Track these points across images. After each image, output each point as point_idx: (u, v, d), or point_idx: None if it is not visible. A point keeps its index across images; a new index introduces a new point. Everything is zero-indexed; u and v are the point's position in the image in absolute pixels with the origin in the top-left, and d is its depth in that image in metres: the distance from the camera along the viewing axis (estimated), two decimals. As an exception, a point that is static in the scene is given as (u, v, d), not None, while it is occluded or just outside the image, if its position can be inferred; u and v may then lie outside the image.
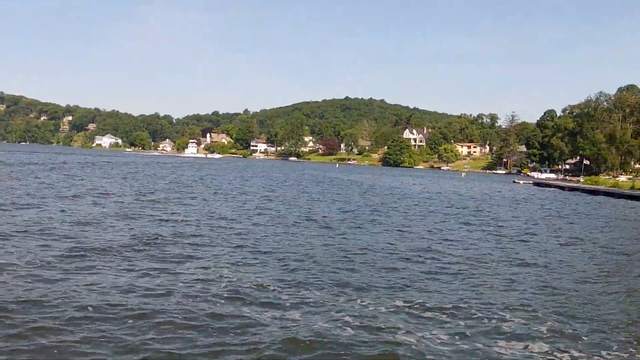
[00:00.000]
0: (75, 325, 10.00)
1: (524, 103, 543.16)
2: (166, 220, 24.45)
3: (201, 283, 13.32)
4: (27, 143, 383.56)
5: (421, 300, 12.91)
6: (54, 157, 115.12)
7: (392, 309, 12.18)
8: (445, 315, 11.92)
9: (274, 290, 13.10)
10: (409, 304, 12.57)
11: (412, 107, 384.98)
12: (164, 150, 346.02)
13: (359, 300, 12.67)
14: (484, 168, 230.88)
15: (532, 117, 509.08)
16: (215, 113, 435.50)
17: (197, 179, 63.65)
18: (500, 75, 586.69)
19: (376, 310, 12.04)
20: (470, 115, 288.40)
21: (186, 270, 14.63)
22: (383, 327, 10.90)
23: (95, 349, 9.07)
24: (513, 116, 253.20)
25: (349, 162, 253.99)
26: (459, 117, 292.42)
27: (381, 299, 12.93)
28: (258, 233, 22.29)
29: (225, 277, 14.07)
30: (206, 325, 10.44)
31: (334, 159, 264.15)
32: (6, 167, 62.86)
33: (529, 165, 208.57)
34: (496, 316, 12.05)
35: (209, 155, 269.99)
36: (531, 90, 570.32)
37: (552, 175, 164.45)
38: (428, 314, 12.01)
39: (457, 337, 10.67)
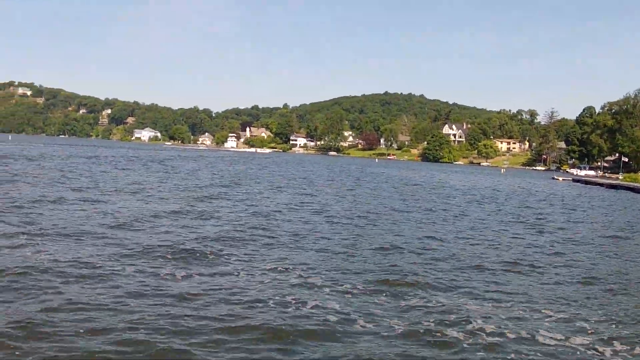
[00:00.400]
0: (123, 330, 9.86)
1: (564, 99, 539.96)
2: (219, 218, 24.61)
3: (253, 286, 13.25)
4: (66, 136, 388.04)
5: (466, 295, 13.53)
6: (96, 150, 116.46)
7: (438, 305, 12.52)
8: (490, 308, 12.50)
9: (335, 296, 12.77)
10: (458, 298, 13.25)
11: (451, 103, 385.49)
12: (204, 143, 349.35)
13: (402, 302, 12.71)
14: (523, 164, 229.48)
15: (571, 113, 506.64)
16: (255, 107, 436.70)
17: (253, 174, 64.98)
18: (541, 71, 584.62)
19: (427, 306, 12.45)
20: (510, 111, 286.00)
21: (238, 272, 14.49)
22: (433, 321, 11.33)
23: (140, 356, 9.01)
24: (552, 112, 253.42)
25: (388, 157, 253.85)
26: (499, 112, 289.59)
27: (433, 294, 13.43)
28: (318, 232, 22.20)
29: (277, 279, 13.95)
30: (260, 329, 10.37)
31: (373, 154, 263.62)
32: (50, 160, 62.95)
33: (568, 161, 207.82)
34: (540, 310, 12.54)
35: (258, 150, 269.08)
36: (571, 86, 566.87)
37: (591, 172, 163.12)
38: (474, 306, 12.53)
39: (502, 327, 11.20)
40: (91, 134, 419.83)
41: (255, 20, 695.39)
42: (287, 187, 47.74)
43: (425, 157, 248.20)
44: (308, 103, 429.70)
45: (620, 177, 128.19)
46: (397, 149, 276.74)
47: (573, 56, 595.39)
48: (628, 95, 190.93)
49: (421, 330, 10.77)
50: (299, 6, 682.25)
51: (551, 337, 10.85)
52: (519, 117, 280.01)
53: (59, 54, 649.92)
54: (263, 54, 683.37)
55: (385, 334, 10.54)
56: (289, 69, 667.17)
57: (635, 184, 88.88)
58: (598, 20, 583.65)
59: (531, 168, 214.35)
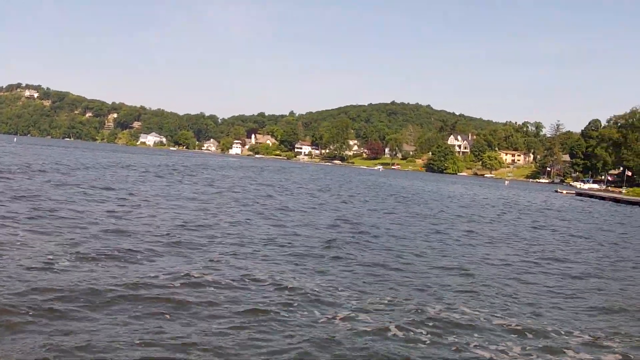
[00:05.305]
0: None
1: (570, 112, 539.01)
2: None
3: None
4: (71, 139, 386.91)
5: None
6: (117, 156, 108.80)
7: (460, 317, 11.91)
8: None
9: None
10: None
11: (458, 113, 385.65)
12: (208, 149, 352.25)
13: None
14: (527, 177, 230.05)
15: (577, 126, 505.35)
16: (261, 114, 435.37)
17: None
18: (548, 83, 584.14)
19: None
20: (516, 123, 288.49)
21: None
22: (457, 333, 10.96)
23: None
24: (558, 125, 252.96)
25: (392, 167, 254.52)
26: (505, 124, 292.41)
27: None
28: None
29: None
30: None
31: (378, 163, 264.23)
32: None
33: (572, 175, 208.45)
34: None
35: (382, 168, 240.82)
36: (577, 98, 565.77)
37: (595, 186, 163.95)
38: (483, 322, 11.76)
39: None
40: (96, 137, 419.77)
41: (263, 28, 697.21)
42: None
43: (429, 167, 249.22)
44: (314, 111, 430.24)
45: (623, 191, 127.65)
46: (401, 159, 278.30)
47: (580, 68, 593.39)
48: (635, 108, 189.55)
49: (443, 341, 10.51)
50: (306, 14, 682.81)
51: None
52: (525, 129, 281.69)
53: (67, 57, 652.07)
54: (270, 61, 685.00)
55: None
56: (296, 76, 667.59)
57: (637, 198, 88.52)
58: (606, 33, 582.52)
59: (535, 180, 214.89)
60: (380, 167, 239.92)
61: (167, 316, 10.58)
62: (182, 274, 13.40)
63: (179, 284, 12.55)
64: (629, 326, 12.56)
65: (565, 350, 10.45)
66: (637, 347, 10.98)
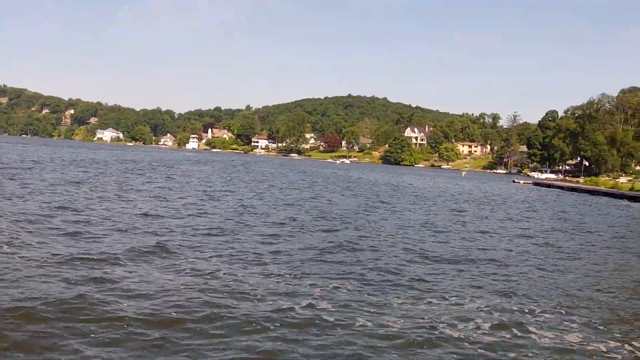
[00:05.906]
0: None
1: (527, 103, 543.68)
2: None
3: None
4: (28, 136, 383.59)
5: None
6: (75, 152, 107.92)
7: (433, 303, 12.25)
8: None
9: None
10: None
11: (414, 106, 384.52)
12: (165, 144, 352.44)
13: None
14: (484, 167, 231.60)
15: (534, 117, 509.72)
16: (217, 109, 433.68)
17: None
18: (504, 75, 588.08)
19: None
20: (472, 114, 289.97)
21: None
22: (422, 320, 10.95)
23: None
24: (515, 116, 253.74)
25: (349, 159, 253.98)
26: (461, 116, 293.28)
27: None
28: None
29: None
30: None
31: (335, 156, 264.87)
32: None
33: (530, 165, 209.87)
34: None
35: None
36: (534, 90, 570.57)
37: (552, 176, 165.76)
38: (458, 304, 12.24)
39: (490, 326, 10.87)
40: (53, 134, 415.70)
41: (218, 22, 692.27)
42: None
43: (386, 159, 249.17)
44: (270, 105, 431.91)
45: (580, 181, 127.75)
46: (358, 151, 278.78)
47: (537, 60, 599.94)
48: (592, 99, 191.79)
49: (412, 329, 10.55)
50: (260, 7, 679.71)
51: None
52: (482, 120, 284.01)
53: (24, 54, 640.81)
54: (226, 55, 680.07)
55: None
56: (252, 70, 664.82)
57: (595, 187, 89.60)
58: (561, 25, 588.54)
59: (492, 171, 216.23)
60: (344, 159, 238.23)
61: (148, 330, 9.68)
62: (166, 281, 12.70)
63: (161, 293, 11.70)
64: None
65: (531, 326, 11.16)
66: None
